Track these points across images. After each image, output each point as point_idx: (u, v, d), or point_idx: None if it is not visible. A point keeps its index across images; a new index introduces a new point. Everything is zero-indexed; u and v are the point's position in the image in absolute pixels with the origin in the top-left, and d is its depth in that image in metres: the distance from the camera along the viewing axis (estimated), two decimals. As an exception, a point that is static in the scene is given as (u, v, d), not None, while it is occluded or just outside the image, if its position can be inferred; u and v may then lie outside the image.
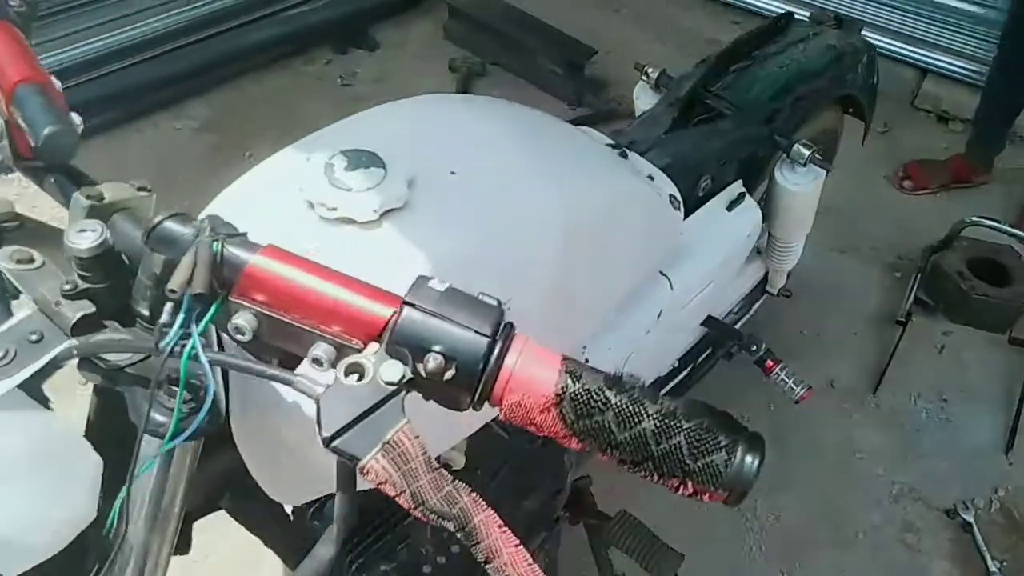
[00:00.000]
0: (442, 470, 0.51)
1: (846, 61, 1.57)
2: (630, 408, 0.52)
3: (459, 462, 1.07)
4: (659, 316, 1.23)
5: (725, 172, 1.37)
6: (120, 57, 2.90)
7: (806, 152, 1.36)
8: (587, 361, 1.14)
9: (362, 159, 0.78)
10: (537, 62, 3.08)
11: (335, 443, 0.49)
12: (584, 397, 0.52)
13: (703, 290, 1.32)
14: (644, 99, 1.54)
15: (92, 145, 2.76)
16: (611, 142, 1.22)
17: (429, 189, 0.81)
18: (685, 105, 1.40)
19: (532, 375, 0.53)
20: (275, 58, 3.17)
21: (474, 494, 0.51)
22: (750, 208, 1.37)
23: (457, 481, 0.51)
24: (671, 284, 1.23)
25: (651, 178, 1.18)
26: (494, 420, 1.38)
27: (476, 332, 0.52)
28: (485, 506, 0.51)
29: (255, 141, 2.85)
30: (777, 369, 1.65)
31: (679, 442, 0.51)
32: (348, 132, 0.87)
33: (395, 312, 0.53)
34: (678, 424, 0.52)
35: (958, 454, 2.09)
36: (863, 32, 1.75)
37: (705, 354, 1.66)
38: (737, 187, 1.38)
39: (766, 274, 1.82)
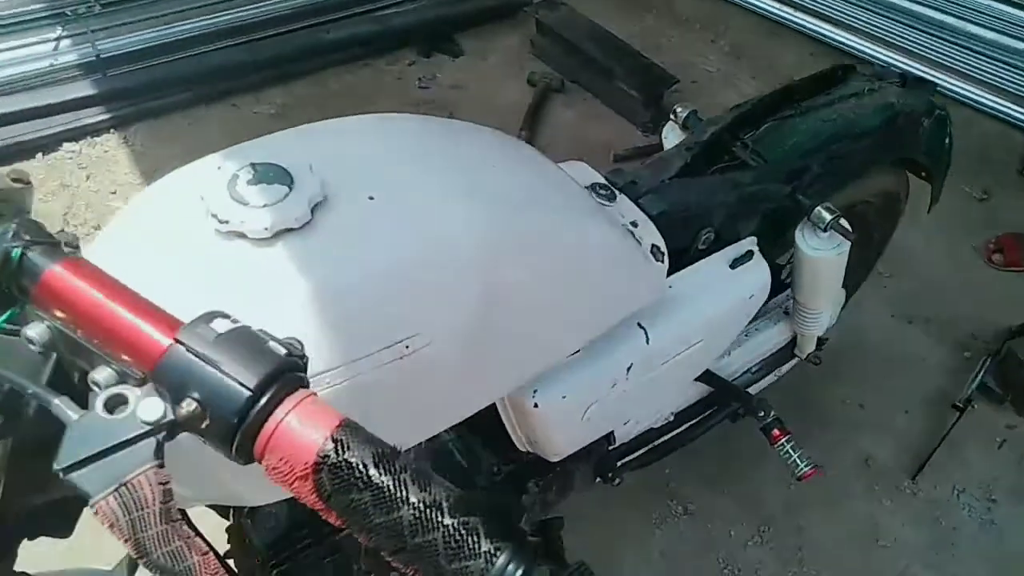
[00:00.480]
0: (181, 524, 0.47)
1: (903, 122, 1.44)
2: (391, 491, 0.46)
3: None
4: (629, 369, 1.15)
5: (736, 226, 1.28)
6: (211, 39, 3.02)
7: (827, 217, 1.25)
8: (536, 406, 1.08)
9: (269, 174, 0.75)
10: (616, 85, 3.01)
11: (68, 476, 0.46)
12: (344, 470, 0.47)
13: (690, 348, 1.23)
14: (671, 139, 1.46)
15: (172, 119, 2.89)
16: (603, 182, 1.15)
17: (338, 212, 0.77)
18: (703, 151, 1.31)
19: (298, 436, 0.48)
20: (360, 55, 3.22)
21: (209, 555, 0.47)
22: (757, 267, 1.27)
23: (194, 538, 0.47)
24: (648, 338, 1.16)
25: (634, 224, 1.12)
26: (455, 445, 1.34)
27: (238, 382, 0.48)
28: (217, 568, 0.47)
29: (325, 134, 2.90)
30: (783, 440, 1.54)
31: (435, 539, 0.46)
32: (276, 145, 0.85)
33: (169, 346, 0.50)
34: (439, 519, 0.46)
35: (997, 560, 1.90)
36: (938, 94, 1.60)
37: (707, 412, 1.56)
38: (747, 244, 1.28)
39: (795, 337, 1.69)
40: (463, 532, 0.46)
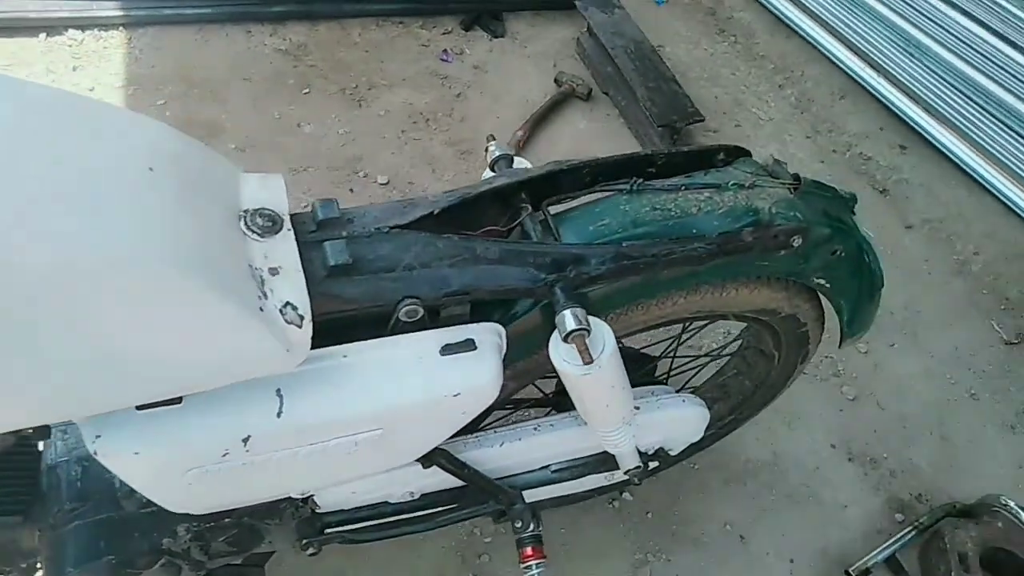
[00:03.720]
0: None
1: (755, 235, 1.12)
2: None
3: None
4: (247, 441, 0.96)
5: (465, 307, 1.04)
6: (246, -40, 2.94)
7: (568, 326, 0.98)
8: (96, 454, 0.91)
9: None
10: (639, 106, 2.72)
11: None
12: None
13: (359, 434, 1.02)
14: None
15: (183, 31, 2.85)
16: (271, 211, 0.95)
17: None
18: (462, 204, 1.07)
19: None
20: (399, 12, 3.07)
21: None
22: (477, 362, 1.02)
23: None
24: (281, 411, 0.96)
25: (274, 272, 0.91)
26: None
27: None
28: None
29: (323, 82, 2.79)
30: (533, 562, 1.30)
31: None
32: None
33: None
34: None
35: None
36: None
37: (462, 502, 1.34)
38: (476, 331, 1.04)
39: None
40: None
